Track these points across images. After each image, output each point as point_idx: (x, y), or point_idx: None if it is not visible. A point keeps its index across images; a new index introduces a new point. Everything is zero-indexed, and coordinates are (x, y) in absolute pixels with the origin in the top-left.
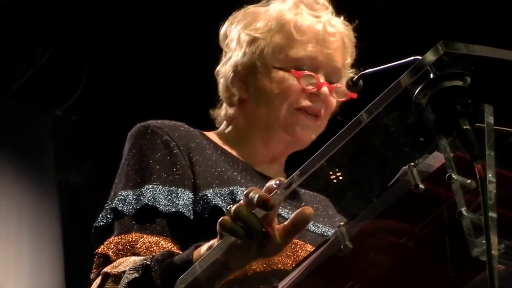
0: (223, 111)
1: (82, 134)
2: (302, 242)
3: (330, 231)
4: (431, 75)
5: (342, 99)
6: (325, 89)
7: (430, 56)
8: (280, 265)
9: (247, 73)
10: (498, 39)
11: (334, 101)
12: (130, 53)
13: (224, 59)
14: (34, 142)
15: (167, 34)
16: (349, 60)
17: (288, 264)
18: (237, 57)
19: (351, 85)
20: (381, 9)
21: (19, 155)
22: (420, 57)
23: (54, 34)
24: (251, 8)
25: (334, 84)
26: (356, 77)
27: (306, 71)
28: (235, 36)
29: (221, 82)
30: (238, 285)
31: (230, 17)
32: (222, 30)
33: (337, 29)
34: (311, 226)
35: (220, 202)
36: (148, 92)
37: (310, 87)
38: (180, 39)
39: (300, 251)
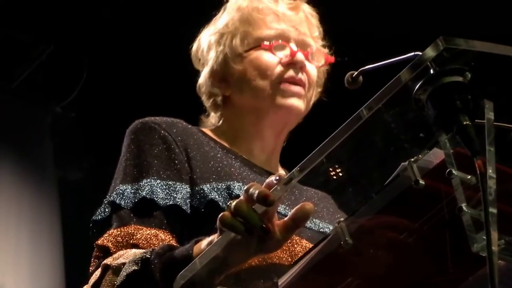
0: (213, 118)
1: (82, 130)
2: (298, 237)
3: (328, 228)
4: (431, 71)
5: (321, 64)
6: (299, 54)
7: (430, 52)
8: (275, 260)
9: (223, 69)
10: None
11: (314, 68)
12: (129, 50)
13: (201, 73)
14: (34, 139)
15: (167, 30)
16: (317, 33)
17: (284, 259)
18: (211, 59)
19: (351, 81)
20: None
21: (19, 152)
22: (420, 53)
23: (54, 31)
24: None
25: (307, 50)
26: (356, 73)
27: (276, 41)
28: (205, 43)
29: (202, 92)
30: (237, 280)
31: (198, 36)
32: (193, 48)
33: (296, 5)
34: (308, 222)
35: (217, 197)
36: (147, 89)
37: (284, 57)
38: (181, 34)
39: (296, 246)
